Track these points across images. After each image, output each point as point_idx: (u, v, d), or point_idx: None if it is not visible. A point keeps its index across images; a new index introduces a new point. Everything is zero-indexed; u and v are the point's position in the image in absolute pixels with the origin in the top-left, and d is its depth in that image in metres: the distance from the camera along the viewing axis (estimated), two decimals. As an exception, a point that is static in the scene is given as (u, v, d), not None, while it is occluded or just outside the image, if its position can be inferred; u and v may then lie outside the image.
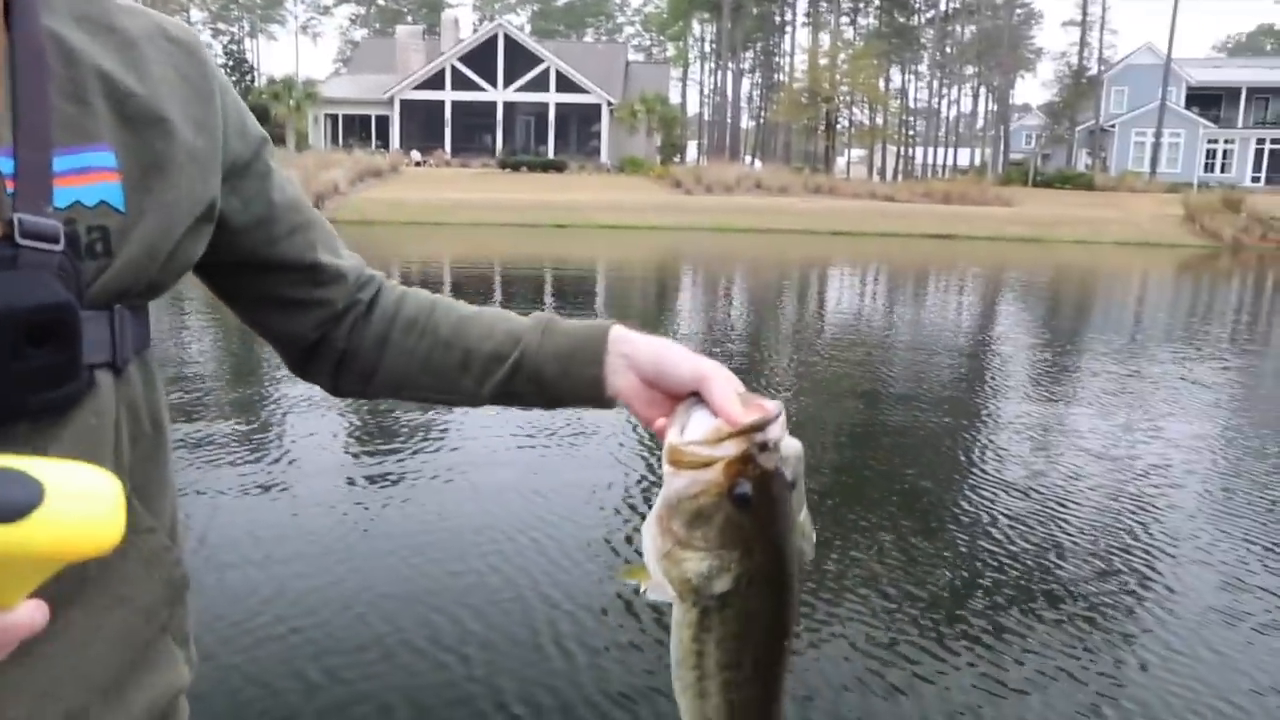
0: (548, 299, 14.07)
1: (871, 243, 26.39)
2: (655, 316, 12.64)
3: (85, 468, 0.47)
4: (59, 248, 0.64)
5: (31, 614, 0.49)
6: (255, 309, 0.91)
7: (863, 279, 20.12)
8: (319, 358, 0.93)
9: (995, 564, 4.40)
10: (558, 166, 39.72)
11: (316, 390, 1.01)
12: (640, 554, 0.72)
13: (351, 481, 5.28)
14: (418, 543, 4.25)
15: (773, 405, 0.69)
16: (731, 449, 0.66)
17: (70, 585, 0.68)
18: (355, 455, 5.90)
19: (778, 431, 0.67)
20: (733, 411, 0.69)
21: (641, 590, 0.72)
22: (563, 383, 0.85)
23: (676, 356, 0.78)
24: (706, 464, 0.66)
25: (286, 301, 0.89)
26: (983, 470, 5.97)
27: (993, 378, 9.59)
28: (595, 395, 0.84)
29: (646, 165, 40.50)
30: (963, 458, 6.41)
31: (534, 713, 2.94)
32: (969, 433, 7.02)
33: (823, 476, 5.53)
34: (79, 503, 0.44)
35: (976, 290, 18.57)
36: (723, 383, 0.72)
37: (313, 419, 6.37)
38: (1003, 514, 5.06)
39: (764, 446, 0.66)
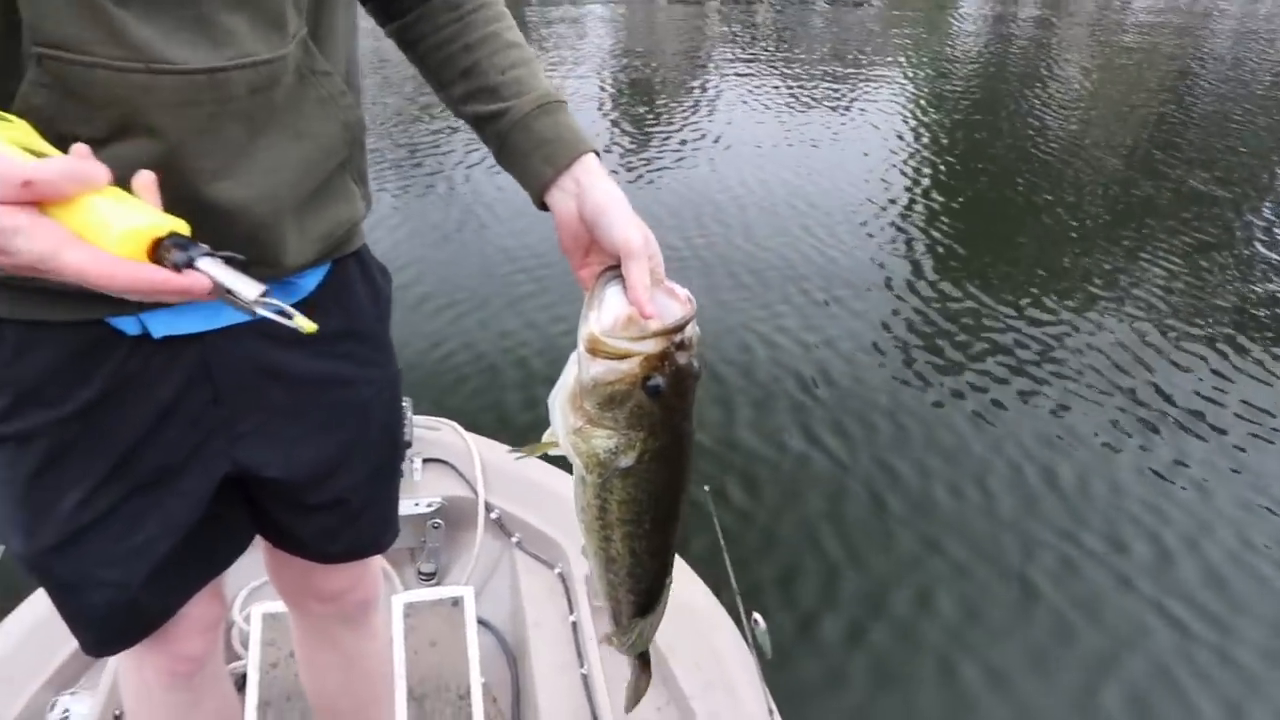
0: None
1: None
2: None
3: None
4: None
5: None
6: None
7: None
8: None
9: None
10: None
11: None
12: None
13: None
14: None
15: (684, 297, 0.73)
16: (651, 347, 0.70)
17: (261, 116, 0.78)
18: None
19: (691, 331, 0.71)
20: (644, 303, 0.71)
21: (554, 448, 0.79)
22: (518, 161, 0.86)
23: (616, 218, 0.77)
24: (625, 356, 0.70)
25: None
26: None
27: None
28: (534, 193, 0.85)
29: None
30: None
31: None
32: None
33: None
34: None
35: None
36: (642, 265, 0.73)
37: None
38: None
39: (680, 345, 0.70)
